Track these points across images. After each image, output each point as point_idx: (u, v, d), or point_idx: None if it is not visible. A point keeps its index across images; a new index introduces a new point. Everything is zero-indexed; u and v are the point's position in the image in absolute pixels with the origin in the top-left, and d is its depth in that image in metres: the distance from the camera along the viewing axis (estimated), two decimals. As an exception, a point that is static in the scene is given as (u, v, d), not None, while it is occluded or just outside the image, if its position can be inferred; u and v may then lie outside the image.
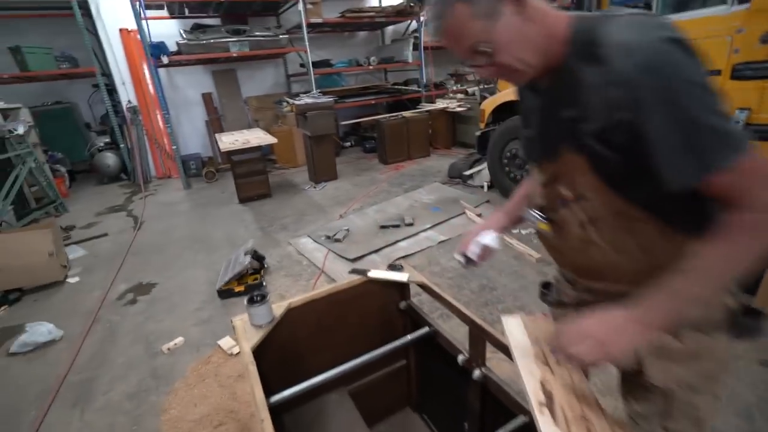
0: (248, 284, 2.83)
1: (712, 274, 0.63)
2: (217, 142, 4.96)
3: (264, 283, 2.88)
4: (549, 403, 0.77)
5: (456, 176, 4.93)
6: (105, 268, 3.38)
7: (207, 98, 6.67)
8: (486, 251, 0.98)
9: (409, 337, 1.11)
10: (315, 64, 6.32)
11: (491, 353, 1.01)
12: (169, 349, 2.27)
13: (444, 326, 1.22)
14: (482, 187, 4.53)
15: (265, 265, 3.11)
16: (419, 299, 1.54)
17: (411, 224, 3.67)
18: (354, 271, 1.22)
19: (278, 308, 1.07)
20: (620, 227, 0.73)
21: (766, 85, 2.15)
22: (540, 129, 0.80)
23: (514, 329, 0.89)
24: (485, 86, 6.20)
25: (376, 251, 3.26)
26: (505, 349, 0.90)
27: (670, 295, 0.65)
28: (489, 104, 4.11)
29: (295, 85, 7.27)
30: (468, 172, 4.72)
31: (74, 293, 3.02)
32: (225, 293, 2.79)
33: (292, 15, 6.61)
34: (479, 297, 2.54)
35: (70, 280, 3.20)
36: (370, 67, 6.95)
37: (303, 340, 1.18)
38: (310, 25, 6.01)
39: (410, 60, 7.05)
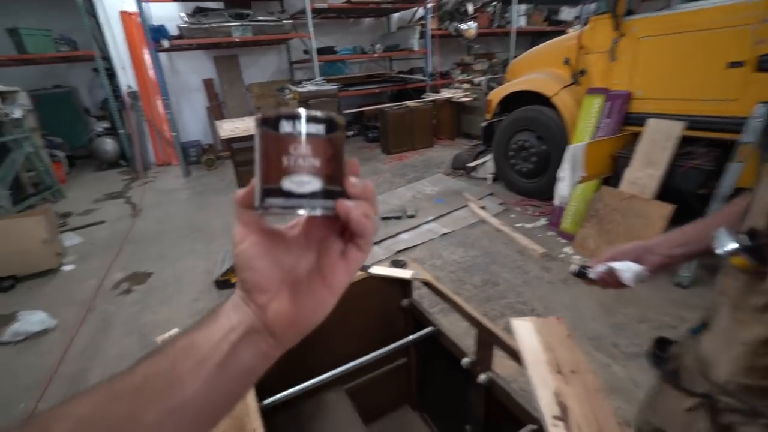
0: (246, 275, 2.77)
1: None
2: (217, 130, 4.88)
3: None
4: (564, 416, 0.70)
5: (460, 168, 4.83)
6: (101, 256, 3.33)
7: (208, 84, 6.55)
8: (612, 277, 0.73)
9: (411, 336, 1.04)
10: (319, 51, 6.18)
11: (499, 355, 0.94)
12: (163, 340, 2.22)
13: (445, 321, 1.16)
14: (486, 179, 4.44)
15: (264, 256, 3.05)
16: (419, 294, 1.48)
17: (413, 216, 3.59)
18: (353, 267, 1.15)
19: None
20: None
21: (793, 77, 2.05)
22: None
23: (525, 334, 0.82)
24: (492, 76, 6.07)
25: (377, 243, 3.19)
26: (515, 355, 0.83)
27: None
28: (496, 94, 4.00)
29: (298, 72, 7.14)
30: (472, 164, 4.62)
31: (69, 282, 2.97)
32: (223, 284, 2.73)
33: (296, 0, 6.45)
34: (482, 292, 2.47)
35: (65, 268, 3.14)
36: (375, 55, 6.80)
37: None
38: (314, 11, 5.86)
39: (416, 48, 6.89)
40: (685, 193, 2.40)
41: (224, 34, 5.47)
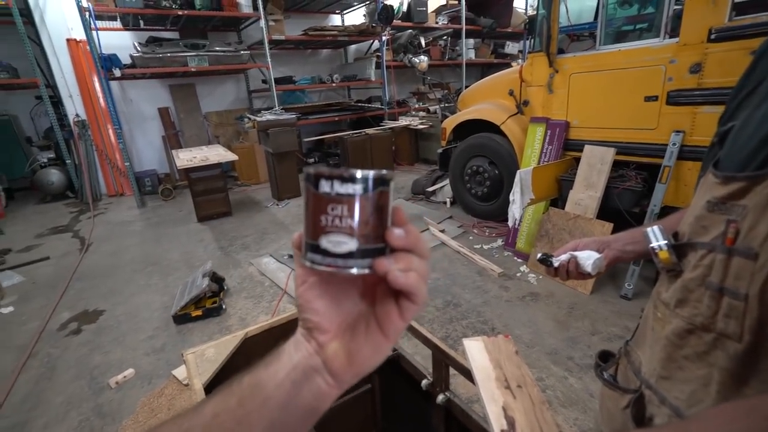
0: (206, 308, 2.70)
1: None
2: (173, 159, 4.77)
3: (223, 306, 2.76)
4: (510, 429, 0.77)
5: (419, 192, 5.00)
6: (45, 295, 3.11)
7: (164, 113, 6.42)
8: (573, 265, 0.81)
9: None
10: (277, 81, 6.26)
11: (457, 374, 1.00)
12: (117, 382, 2.10)
13: (410, 345, 1.21)
14: (445, 203, 4.62)
15: (225, 288, 2.98)
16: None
17: (376, 241, 3.65)
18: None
19: (234, 339, 1.02)
20: None
21: (696, 110, 2.36)
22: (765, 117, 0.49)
23: (476, 353, 0.90)
24: (446, 105, 6.38)
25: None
26: (468, 374, 0.90)
27: None
28: (450, 123, 4.23)
29: (257, 100, 7.16)
30: (430, 189, 4.80)
31: (7, 325, 2.75)
32: (181, 318, 2.64)
33: (253, 31, 6.55)
34: (444, 314, 2.55)
35: (3, 310, 2.91)
36: (334, 85, 6.98)
37: (262, 371, 1.13)
38: (272, 42, 5.97)
39: (373, 78, 7.16)
40: (622, 211, 2.64)
41: (180, 63, 5.43)
